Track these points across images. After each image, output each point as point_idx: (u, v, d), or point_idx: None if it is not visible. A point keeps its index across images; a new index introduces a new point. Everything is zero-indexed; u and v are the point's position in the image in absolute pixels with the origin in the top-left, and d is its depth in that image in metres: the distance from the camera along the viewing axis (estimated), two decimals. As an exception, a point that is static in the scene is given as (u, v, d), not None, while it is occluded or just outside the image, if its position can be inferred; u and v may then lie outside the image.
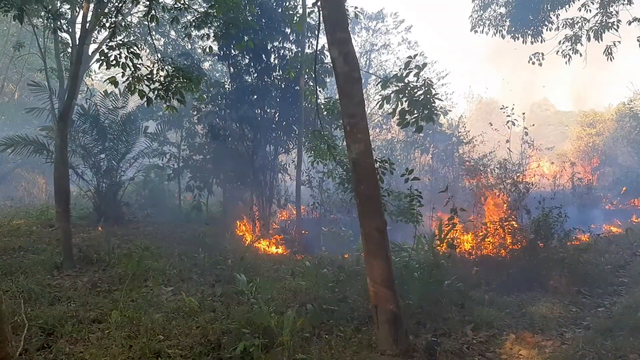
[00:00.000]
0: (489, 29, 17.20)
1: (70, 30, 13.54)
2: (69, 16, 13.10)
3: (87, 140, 14.64)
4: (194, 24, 8.81)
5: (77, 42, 11.16)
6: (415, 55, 6.52)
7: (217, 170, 17.14)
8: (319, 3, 5.81)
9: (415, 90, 6.70)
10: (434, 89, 6.51)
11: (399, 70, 6.77)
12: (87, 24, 10.00)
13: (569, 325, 7.29)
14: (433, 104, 6.53)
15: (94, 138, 14.66)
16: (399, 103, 6.75)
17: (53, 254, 9.93)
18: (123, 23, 8.53)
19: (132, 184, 17.16)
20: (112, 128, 14.98)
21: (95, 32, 11.06)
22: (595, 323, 7.09)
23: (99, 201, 14.76)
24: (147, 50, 18.90)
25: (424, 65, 6.57)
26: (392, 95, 6.72)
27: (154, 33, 18.63)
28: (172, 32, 20.10)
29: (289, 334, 5.42)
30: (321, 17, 6.01)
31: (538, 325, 7.17)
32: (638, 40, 14.95)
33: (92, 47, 17.09)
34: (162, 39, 20.34)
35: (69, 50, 13.97)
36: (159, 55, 8.33)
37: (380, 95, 6.95)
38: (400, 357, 5.54)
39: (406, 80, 6.65)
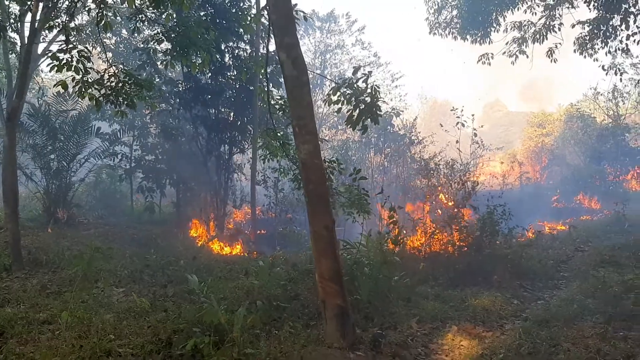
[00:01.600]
0: (444, 31, 17.77)
1: (18, 28, 13.22)
2: (17, 16, 12.79)
3: (37, 141, 14.32)
4: (155, 38, 8.81)
5: (26, 41, 10.96)
6: (370, 71, 6.87)
7: (170, 170, 17.02)
8: (267, 8, 5.96)
9: (364, 95, 6.98)
10: (379, 93, 6.83)
11: (350, 76, 7.08)
12: (37, 23, 9.84)
13: (509, 317, 7.66)
14: (378, 107, 6.84)
15: (44, 138, 14.35)
16: (347, 104, 7.04)
17: (1, 256, 9.72)
18: (73, 24, 8.41)
19: (83, 185, 16.87)
20: (63, 128, 14.68)
21: (45, 31, 10.85)
22: (534, 315, 7.47)
23: (49, 203, 14.45)
24: (98, 49, 18.60)
25: (370, 72, 6.91)
26: (341, 98, 7.01)
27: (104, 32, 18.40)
28: (124, 31, 19.79)
29: (240, 331, 5.52)
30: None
31: (480, 317, 7.50)
32: (574, 42, 15.75)
33: (42, 45, 16.74)
34: (113, 37, 20.00)
35: (18, 49, 13.65)
36: (109, 54, 8.26)
37: (328, 96, 7.21)
38: (347, 350, 5.72)
39: (355, 86, 6.93)
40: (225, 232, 15.62)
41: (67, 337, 5.85)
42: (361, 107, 6.77)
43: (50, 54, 7.13)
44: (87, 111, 15.87)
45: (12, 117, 9.87)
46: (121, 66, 8.39)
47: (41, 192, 14.54)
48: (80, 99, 15.15)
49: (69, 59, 7.12)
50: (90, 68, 7.40)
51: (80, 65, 7.22)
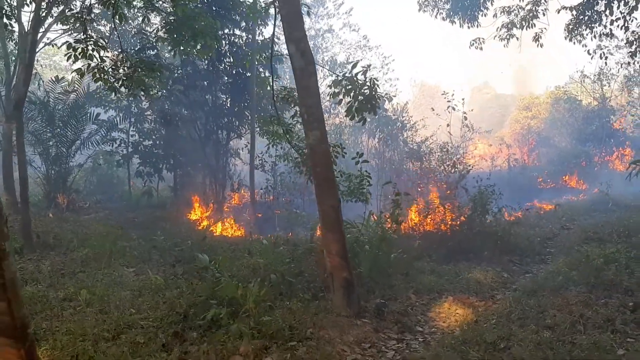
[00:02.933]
0: (433, 11, 17.96)
1: (17, 16, 13.38)
2: (15, 3, 12.95)
3: (36, 127, 14.57)
4: (165, 28, 9.13)
5: (28, 29, 11.17)
6: (369, 64, 7.31)
7: (167, 155, 17.30)
8: (276, 3, 6.34)
9: (362, 88, 7.41)
10: (377, 86, 7.27)
11: (349, 68, 7.50)
12: (42, 12, 10.09)
13: (499, 289, 8.26)
14: (377, 99, 7.30)
15: (43, 125, 14.59)
16: (346, 96, 7.48)
17: (11, 240, 10.04)
18: (69, 12, 8.64)
19: (82, 170, 17.16)
20: (61, 114, 14.92)
21: (51, 18, 11.11)
22: (522, 286, 8.04)
23: (49, 188, 14.75)
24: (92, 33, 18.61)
25: (369, 65, 7.36)
26: (341, 90, 7.44)
27: (100, 19, 18.52)
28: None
29: (254, 303, 5.98)
30: (278, 15, 6.54)
31: (473, 289, 8.09)
32: (565, 29, 16.21)
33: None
34: (107, 24, 20.07)
35: (15, 36, 13.82)
36: (102, 41, 8.47)
37: (329, 87, 7.65)
38: (354, 318, 6.26)
39: (354, 78, 7.35)
40: (225, 214, 16.00)
41: (89, 313, 6.26)
42: (360, 99, 7.22)
43: (67, 44, 7.47)
44: (83, 97, 16.11)
45: (19, 105, 10.18)
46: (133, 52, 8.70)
47: (41, 177, 14.81)
48: (77, 85, 15.53)
49: (85, 49, 7.45)
50: (106, 56, 7.76)
51: (95, 54, 7.56)
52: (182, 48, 10.27)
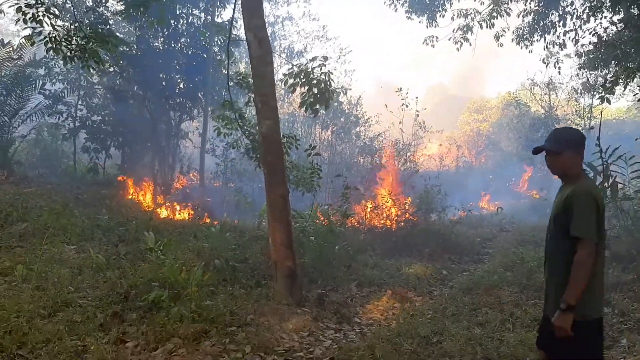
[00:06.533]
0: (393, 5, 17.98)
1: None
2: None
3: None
4: None
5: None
6: (325, 57, 7.42)
7: (115, 132, 16.86)
8: (237, -11, 6.31)
9: (318, 82, 7.51)
10: (332, 80, 7.39)
11: (307, 60, 7.59)
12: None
13: (437, 285, 8.57)
14: (331, 94, 7.42)
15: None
16: (301, 87, 7.57)
17: (-60, 211, 9.64)
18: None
19: (25, 142, 16.55)
20: (5, 82, 14.33)
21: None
22: (459, 283, 8.37)
23: (-13, 158, 14.19)
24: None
25: (325, 58, 7.45)
26: (297, 82, 7.52)
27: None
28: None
29: (196, 286, 6.00)
30: (238, 1, 6.52)
31: (412, 283, 8.35)
32: (514, 32, 16.72)
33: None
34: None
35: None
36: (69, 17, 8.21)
37: (284, 76, 7.72)
38: (295, 307, 6.37)
39: (309, 71, 7.44)
40: (172, 197, 15.78)
41: (24, 289, 6.10)
42: (314, 92, 7.32)
43: (16, 6, 7.17)
44: (28, 65, 15.47)
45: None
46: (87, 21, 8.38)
47: (-21, 147, 14.23)
48: (22, 53, 14.91)
49: (35, 14, 7.18)
50: (59, 26, 7.49)
51: (45, 19, 7.29)
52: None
